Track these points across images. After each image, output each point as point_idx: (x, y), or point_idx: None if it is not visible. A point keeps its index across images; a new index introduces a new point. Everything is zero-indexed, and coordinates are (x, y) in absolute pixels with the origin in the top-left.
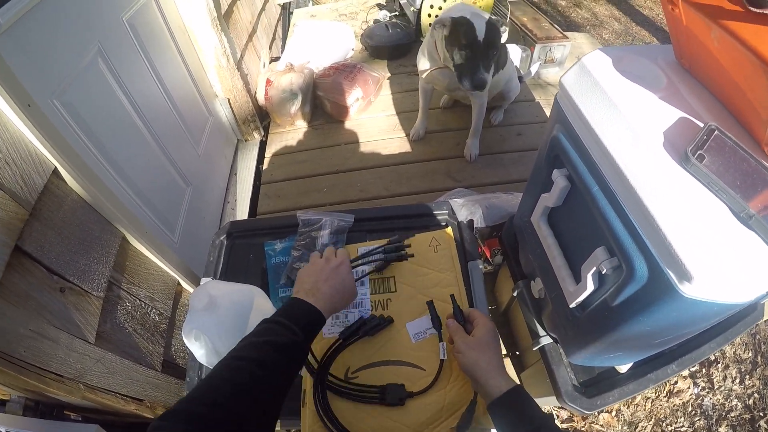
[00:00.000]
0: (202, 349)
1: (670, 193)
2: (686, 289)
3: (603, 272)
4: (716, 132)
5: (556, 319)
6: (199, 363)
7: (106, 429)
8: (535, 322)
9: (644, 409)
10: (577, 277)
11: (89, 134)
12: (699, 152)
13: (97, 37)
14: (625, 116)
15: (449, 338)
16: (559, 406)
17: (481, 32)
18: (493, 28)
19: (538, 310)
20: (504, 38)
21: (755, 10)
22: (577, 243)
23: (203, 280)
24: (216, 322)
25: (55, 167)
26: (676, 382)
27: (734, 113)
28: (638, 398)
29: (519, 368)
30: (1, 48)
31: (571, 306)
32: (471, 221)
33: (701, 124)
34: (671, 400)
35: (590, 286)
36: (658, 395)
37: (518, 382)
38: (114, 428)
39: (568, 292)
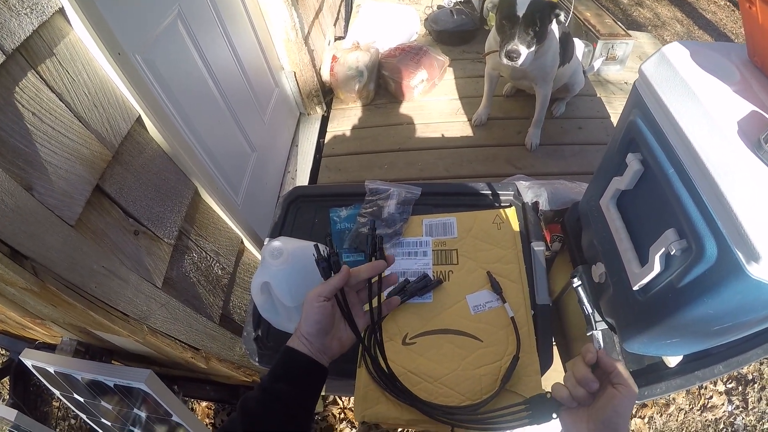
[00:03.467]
0: (267, 303)
1: (743, 176)
2: (753, 270)
3: (671, 253)
4: None
5: (615, 304)
6: (258, 318)
7: None
8: (592, 307)
9: (677, 420)
10: (643, 260)
11: (167, 91)
12: None
13: (178, 1)
14: (702, 104)
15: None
16: None
17: (522, 7)
18: (537, 5)
19: (596, 295)
20: (562, 20)
21: None
22: (645, 226)
23: (267, 240)
24: (286, 275)
25: (139, 115)
26: (710, 397)
27: None
28: (672, 408)
29: (566, 357)
30: None
31: (634, 288)
32: (536, 203)
33: None
34: (704, 414)
35: (657, 268)
36: (692, 408)
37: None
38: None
39: (633, 274)
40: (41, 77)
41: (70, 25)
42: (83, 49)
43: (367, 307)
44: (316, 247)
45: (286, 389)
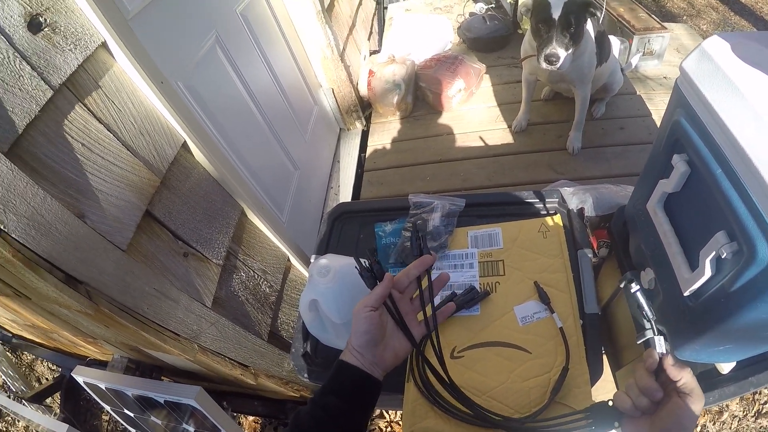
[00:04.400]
0: (316, 320)
1: None
2: None
3: (722, 257)
4: None
5: (665, 310)
6: (306, 335)
7: None
8: (643, 314)
9: (731, 428)
10: (693, 264)
11: (210, 115)
12: None
13: (215, 27)
14: (748, 100)
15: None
16: None
17: (557, 9)
18: (573, 7)
19: (646, 301)
20: (599, 18)
21: None
22: (694, 229)
23: (314, 257)
24: (334, 293)
25: (185, 141)
26: (765, 403)
27: None
28: (725, 415)
29: (615, 366)
30: (135, 29)
31: (685, 294)
32: (581, 209)
33: None
34: (759, 420)
35: (708, 272)
36: (746, 414)
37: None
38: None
39: (683, 280)
40: (88, 109)
41: (113, 57)
42: (127, 79)
43: (421, 316)
44: (358, 259)
45: (336, 403)
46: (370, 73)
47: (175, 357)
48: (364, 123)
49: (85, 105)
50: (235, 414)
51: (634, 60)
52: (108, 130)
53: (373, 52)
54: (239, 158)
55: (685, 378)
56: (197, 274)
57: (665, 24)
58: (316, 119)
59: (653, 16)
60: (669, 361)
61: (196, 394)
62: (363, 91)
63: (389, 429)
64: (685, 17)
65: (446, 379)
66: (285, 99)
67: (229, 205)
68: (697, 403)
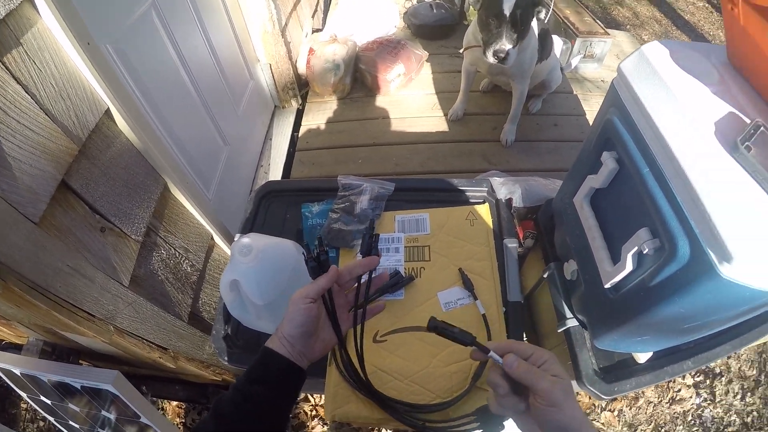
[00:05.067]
0: (237, 301)
1: (718, 178)
2: (725, 270)
3: (644, 252)
4: (762, 128)
5: (587, 301)
6: (227, 316)
7: None
8: (564, 303)
9: (646, 413)
10: (615, 258)
11: (138, 82)
12: (747, 143)
13: None
14: (681, 104)
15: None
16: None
17: (509, 6)
18: (523, 4)
19: (567, 292)
20: (542, 17)
21: None
22: (618, 224)
23: (237, 236)
24: (256, 273)
25: (108, 108)
26: (679, 390)
27: None
28: (641, 401)
29: None
30: None
31: (606, 286)
32: (509, 200)
33: (748, 120)
34: (673, 407)
35: (629, 266)
36: (661, 400)
37: None
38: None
39: (605, 273)
40: (6, 68)
41: (39, 13)
42: (51, 38)
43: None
44: (306, 246)
45: (262, 392)
46: (311, 51)
47: (91, 339)
48: (300, 102)
49: (2, 63)
50: (156, 399)
51: (575, 61)
52: (26, 92)
53: (315, 30)
54: (166, 129)
55: (532, 380)
56: (115, 251)
57: (609, 30)
58: (250, 94)
59: (598, 21)
60: (509, 367)
61: (113, 379)
62: (301, 69)
63: (314, 413)
64: (628, 26)
65: (362, 377)
66: (220, 71)
67: (152, 178)
68: (548, 404)
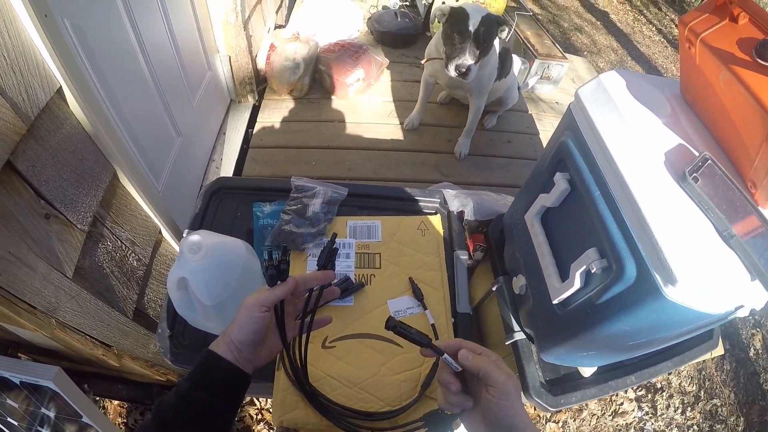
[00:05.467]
0: (184, 300)
1: (666, 204)
2: (669, 292)
3: (592, 271)
4: (709, 161)
5: (534, 315)
6: (173, 315)
7: None
8: (512, 317)
9: (589, 425)
10: (564, 275)
11: (93, 62)
12: (694, 174)
13: None
14: (633, 132)
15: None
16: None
17: (474, 23)
18: (488, 22)
19: (515, 305)
20: (504, 36)
21: (761, 62)
22: (567, 243)
23: (186, 232)
24: (205, 272)
25: (60, 86)
26: (621, 404)
27: (725, 148)
28: (585, 413)
29: None
30: None
31: (554, 302)
32: (462, 212)
33: (696, 153)
34: (615, 419)
35: (577, 284)
36: (604, 413)
37: None
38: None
39: (554, 289)
40: None
41: None
42: (7, 5)
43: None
44: (269, 252)
45: (205, 398)
46: (272, 47)
47: (32, 333)
48: (257, 98)
49: None
50: (97, 398)
51: (532, 81)
52: None
53: (278, 27)
54: (119, 114)
55: (484, 369)
56: (59, 240)
57: (567, 54)
58: (207, 85)
59: (557, 45)
60: (462, 357)
61: (54, 375)
62: (261, 64)
63: (260, 416)
64: (586, 53)
65: (306, 387)
66: (178, 58)
67: (101, 165)
68: (502, 393)
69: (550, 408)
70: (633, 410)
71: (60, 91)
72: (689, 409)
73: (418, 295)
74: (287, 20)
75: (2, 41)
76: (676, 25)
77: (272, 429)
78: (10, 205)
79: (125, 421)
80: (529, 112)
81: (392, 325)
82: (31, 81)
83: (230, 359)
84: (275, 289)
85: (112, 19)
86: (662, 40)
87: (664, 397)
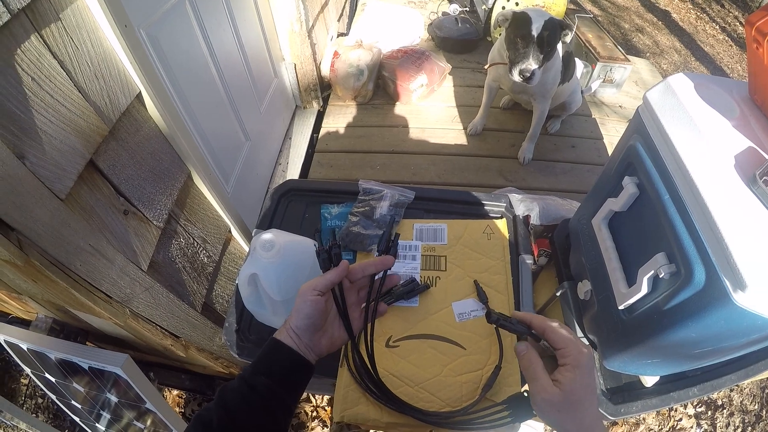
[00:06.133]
0: (253, 295)
1: (736, 208)
2: (739, 298)
3: (660, 276)
4: None
5: (599, 322)
6: (241, 310)
7: None
8: (575, 323)
9: None
10: (630, 281)
11: (168, 70)
12: (765, 177)
13: None
14: (703, 136)
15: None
16: None
17: (537, 27)
18: (551, 26)
19: (580, 311)
20: (567, 40)
21: None
22: (635, 248)
23: (255, 231)
24: (276, 269)
25: (140, 92)
26: (680, 419)
27: None
28: (641, 428)
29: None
30: None
31: (620, 307)
32: (527, 216)
33: (767, 156)
34: None
35: (644, 289)
36: (662, 429)
37: None
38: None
39: (620, 294)
40: (44, 42)
41: None
42: (90, 16)
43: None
44: (318, 237)
45: (266, 383)
46: (335, 54)
47: (104, 321)
48: (321, 104)
49: (41, 36)
50: (160, 386)
51: (594, 85)
52: (62, 68)
53: (340, 35)
54: (192, 119)
55: (558, 338)
56: (136, 235)
57: (629, 56)
58: (274, 92)
59: (619, 47)
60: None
61: (123, 363)
62: (325, 71)
63: (315, 413)
64: (648, 54)
65: (374, 376)
66: (246, 66)
67: (177, 166)
68: (577, 348)
69: (609, 417)
70: (692, 427)
71: (139, 96)
72: (750, 428)
73: (482, 298)
74: (348, 28)
75: (86, 49)
76: (740, 23)
77: (326, 427)
78: (92, 201)
79: (182, 411)
80: (593, 116)
81: (495, 319)
82: (113, 86)
83: (291, 345)
84: (327, 274)
85: (184, 30)
86: (726, 38)
87: (725, 415)
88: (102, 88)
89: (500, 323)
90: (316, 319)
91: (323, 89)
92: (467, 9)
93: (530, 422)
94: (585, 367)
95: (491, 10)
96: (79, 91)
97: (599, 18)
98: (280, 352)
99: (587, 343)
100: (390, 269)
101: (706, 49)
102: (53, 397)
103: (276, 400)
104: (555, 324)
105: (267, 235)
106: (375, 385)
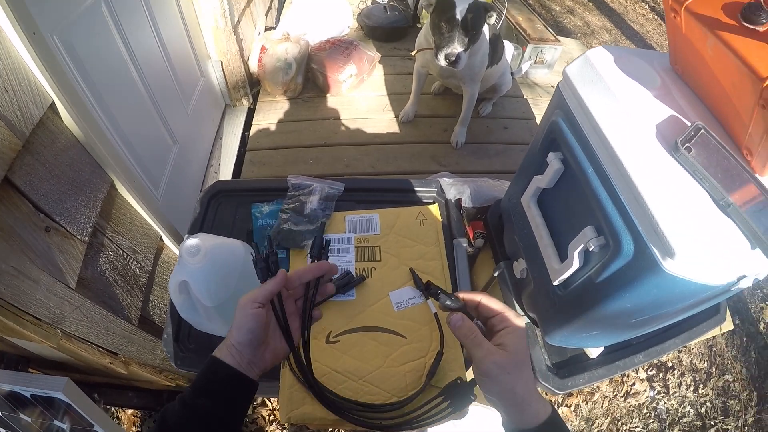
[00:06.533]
0: (186, 303)
1: (659, 177)
2: (668, 266)
3: (590, 250)
4: (702, 130)
5: (536, 299)
6: (178, 319)
7: None
8: (515, 302)
9: (602, 407)
10: (563, 256)
11: (85, 76)
12: (687, 144)
13: None
14: (623, 107)
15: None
16: None
17: (461, 11)
18: (475, 9)
19: (518, 290)
20: (492, 22)
21: (747, 25)
22: (564, 223)
23: (187, 237)
24: (205, 274)
25: (53, 101)
26: (633, 384)
27: (718, 117)
28: (596, 396)
29: None
30: None
31: (554, 283)
32: (459, 200)
33: (689, 123)
34: (628, 400)
35: (576, 264)
36: (616, 395)
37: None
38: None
39: (553, 270)
40: None
41: None
42: None
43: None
44: (255, 246)
45: (208, 405)
46: (263, 49)
47: (39, 345)
48: (251, 100)
49: None
50: (109, 407)
51: (525, 66)
52: None
53: (268, 28)
54: (113, 125)
55: (488, 308)
56: (60, 252)
57: (559, 38)
58: (200, 92)
59: (549, 28)
60: (454, 324)
61: (63, 386)
62: (253, 67)
63: (272, 417)
64: (579, 35)
65: (312, 384)
66: (169, 67)
67: (98, 176)
68: (512, 317)
69: (557, 391)
70: (645, 390)
71: (53, 106)
72: (701, 386)
73: (419, 285)
74: (277, 22)
75: None
76: None
77: (284, 429)
78: (9, 221)
79: (139, 430)
80: (525, 97)
81: (434, 291)
82: (24, 98)
83: (232, 363)
84: (266, 284)
85: (101, 33)
86: (656, 17)
87: (676, 376)
88: (12, 100)
89: (438, 296)
90: (258, 332)
91: (252, 86)
92: None
93: (487, 408)
94: (522, 330)
95: None
96: None
97: (529, 0)
98: (221, 371)
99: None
100: (327, 276)
101: (636, 28)
102: None
103: (220, 422)
104: (484, 296)
105: (192, 240)
106: (315, 392)
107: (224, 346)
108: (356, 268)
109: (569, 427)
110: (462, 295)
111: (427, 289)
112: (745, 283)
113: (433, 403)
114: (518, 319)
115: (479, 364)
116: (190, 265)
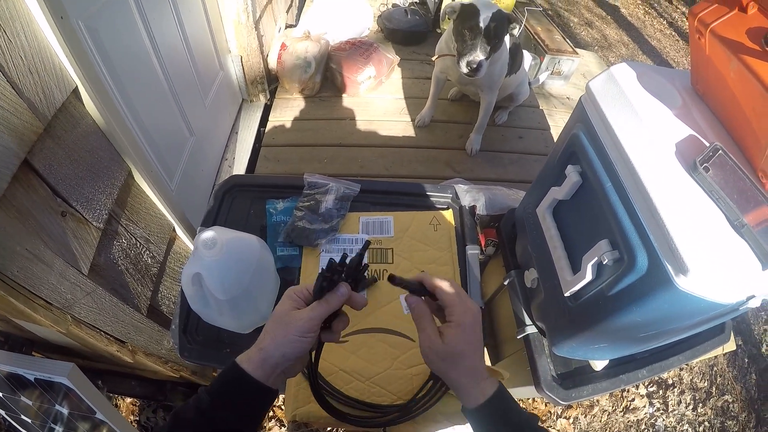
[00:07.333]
0: (198, 295)
1: (677, 195)
2: (681, 282)
3: (604, 263)
4: (720, 151)
5: (546, 309)
6: (187, 311)
7: None
8: (524, 311)
9: (600, 421)
10: (575, 268)
11: (107, 63)
12: (705, 164)
13: None
14: (644, 124)
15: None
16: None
17: (485, 19)
18: (498, 18)
19: (527, 299)
20: (516, 33)
21: None
22: (579, 236)
23: (200, 229)
24: (219, 267)
25: (76, 86)
26: (633, 399)
27: (736, 139)
28: (596, 409)
29: (495, 359)
30: None
31: (566, 294)
32: (473, 207)
33: (707, 143)
34: (627, 415)
35: (589, 276)
36: (615, 409)
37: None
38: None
39: (565, 281)
40: None
41: None
42: (24, 8)
43: None
44: (331, 259)
45: (231, 420)
46: (283, 46)
47: (47, 329)
48: (269, 97)
49: None
50: (111, 394)
51: (542, 77)
52: None
53: (289, 26)
54: (133, 114)
55: (445, 296)
56: (75, 237)
57: (577, 49)
58: (219, 85)
59: (567, 40)
60: (411, 306)
61: (68, 372)
62: (272, 63)
63: (271, 413)
64: (596, 47)
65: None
66: (190, 59)
67: (116, 163)
68: (462, 305)
69: (561, 402)
70: (644, 406)
71: (76, 91)
72: (701, 405)
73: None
74: (298, 20)
75: (20, 43)
76: (686, 18)
77: (283, 426)
78: (27, 203)
79: (137, 419)
80: (540, 107)
81: (398, 281)
82: (48, 81)
83: (261, 378)
84: (332, 302)
85: (126, 22)
86: (673, 33)
87: (676, 393)
88: (36, 83)
89: (402, 284)
90: (303, 359)
91: (270, 82)
92: (417, 1)
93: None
94: (467, 325)
95: (441, 1)
96: (12, 87)
97: (549, 11)
98: (246, 386)
99: (537, 328)
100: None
101: (653, 43)
102: (2, 413)
103: None
104: (445, 284)
105: (209, 233)
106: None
107: (256, 357)
108: (368, 270)
109: None
110: (426, 283)
111: (392, 281)
112: (754, 303)
113: (426, 387)
114: (464, 315)
115: (420, 345)
116: (205, 257)
